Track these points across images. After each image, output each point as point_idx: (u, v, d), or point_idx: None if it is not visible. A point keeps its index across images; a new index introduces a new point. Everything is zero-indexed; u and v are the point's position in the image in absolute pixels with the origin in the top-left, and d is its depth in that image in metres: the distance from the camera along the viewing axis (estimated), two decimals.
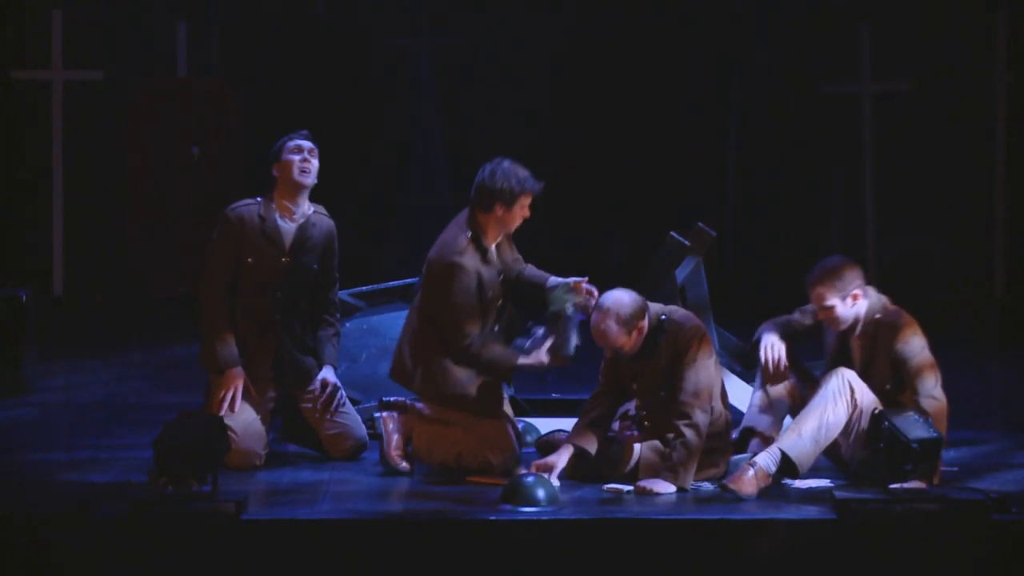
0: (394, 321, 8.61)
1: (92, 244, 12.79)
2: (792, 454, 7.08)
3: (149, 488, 6.76)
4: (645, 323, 7.36)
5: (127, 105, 12.32)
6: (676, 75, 12.95)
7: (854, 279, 7.29)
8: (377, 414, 7.71)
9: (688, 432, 7.17)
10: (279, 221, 7.77)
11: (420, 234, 12.87)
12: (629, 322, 7.31)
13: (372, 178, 13.19)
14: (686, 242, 8.27)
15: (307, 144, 7.82)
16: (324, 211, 7.92)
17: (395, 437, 7.61)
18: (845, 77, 12.05)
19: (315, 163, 7.81)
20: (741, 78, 13.16)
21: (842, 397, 7.16)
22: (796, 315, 7.60)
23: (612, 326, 7.31)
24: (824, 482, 7.18)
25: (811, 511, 6.76)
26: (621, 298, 7.35)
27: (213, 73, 13.16)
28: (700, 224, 8.41)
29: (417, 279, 8.88)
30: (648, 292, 8.11)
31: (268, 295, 7.74)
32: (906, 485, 6.82)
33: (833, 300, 7.28)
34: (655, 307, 7.45)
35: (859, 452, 7.21)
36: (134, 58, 12.89)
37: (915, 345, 7.26)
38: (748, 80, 13.15)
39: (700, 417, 7.19)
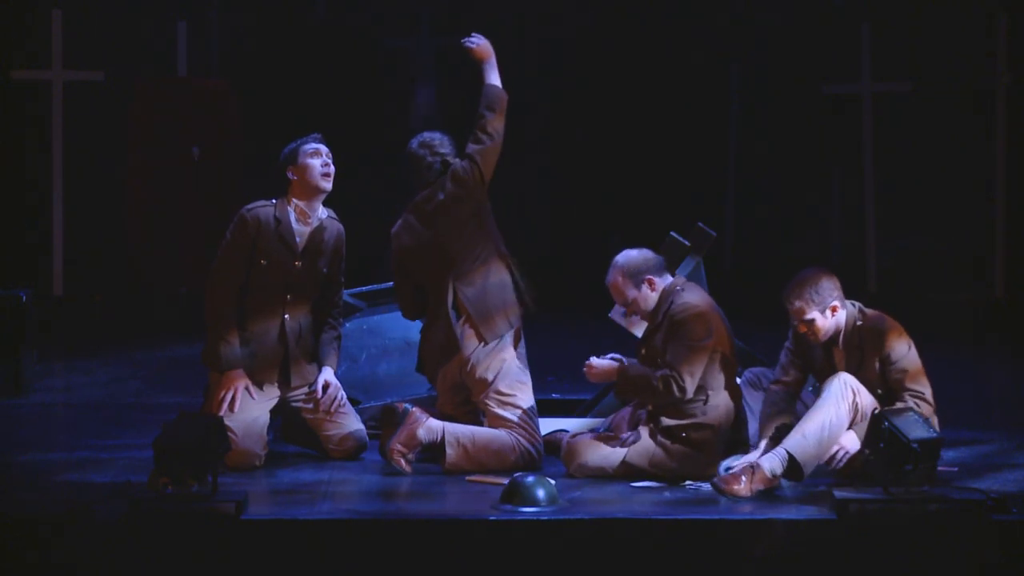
0: (394, 321, 8.61)
1: (92, 244, 12.78)
2: (797, 455, 7.07)
3: (149, 488, 6.76)
4: (657, 279, 7.42)
5: (127, 105, 12.31)
6: (676, 75, 12.95)
7: (832, 290, 7.28)
8: (408, 405, 7.69)
9: (661, 378, 7.23)
10: (294, 224, 7.78)
11: None
12: (634, 275, 7.42)
13: (371, 178, 13.18)
14: (686, 242, 8.27)
15: (324, 148, 7.83)
16: (335, 215, 7.93)
17: (406, 433, 7.59)
18: (845, 77, 12.05)
19: (333, 168, 7.83)
20: (741, 78, 13.16)
21: (844, 400, 7.16)
22: (779, 375, 7.57)
23: (618, 278, 7.46)
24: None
25: (811, 511, 6.76)
26: (629, 253, 7.50)
27: (213, 73, 13.15)
28: (700, 224, 8.42)
29: None
30: None
31: (278, 297, 7.76)
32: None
33: (813, 314, 7.27)
34: (678, 280, 7.49)
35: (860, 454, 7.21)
36: (134, 58, 12.88)
37: (901, 349, 7.26)
38: (748, 80, 13.15)
39: (674, 386, 7.23)
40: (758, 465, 7.04)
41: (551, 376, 9.49)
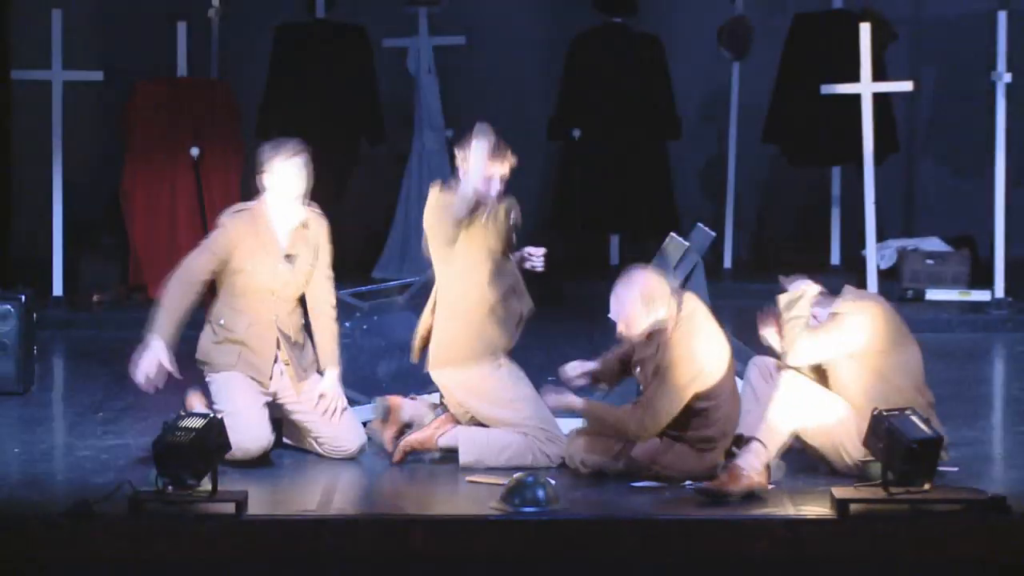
0: (394, 321, 8.61)
1: (92, 244, 12.76)
2: (765, 440, 7.12)
3: (149, 488, 6.77)
4: (663, 313, 7.29)
5: (127, 105, 12.29)
6: (676, 75, 12.94)
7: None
8: (437, 408, 7.76)
9: (634, 412, 7.21)
10: (275, 226, 7.78)
11: (420, 234, 12.86)
12: (652, 305, 7.25)
13: (372, 178, 13.17)
14: (686, 242, 8.27)
15: (300, 157, 7.76)
16: (317, 209, 7.91)
17: (426, 436, 7.63)
18: (845, 77, 12.04)
19: (308, 171, 7.78)
20: (742, 78, 13.15)
21: (797, 377, 7.26)
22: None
23: (636, 303, 7.24)
24: None
25: (811, 511, 6.76)
26: (651, 278, 7.30)
27: (213, 73, 13.13)
28: (700, 224, 8.41)
29: (416, 279, 8.90)
30: None
31: (265, 299, 7.76)
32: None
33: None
34: (681, 306, 7.39)
35: (857, 453, 7.21)
36: (134, 58, 12.86)
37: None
38: (749, 79, 13.14)
39: (646, 423, 7.21)
40: (736, 465, 7.04)
41: (551, 377, 9.48)
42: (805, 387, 7.24)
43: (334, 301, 7.95)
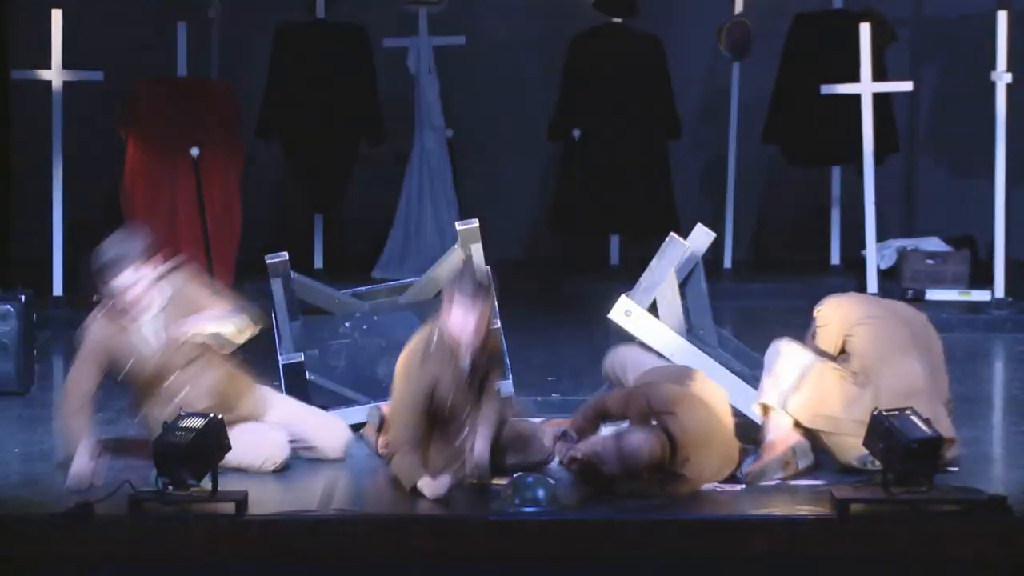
0: (393, 321, 8.61)
1: (92, 244, 12.76)
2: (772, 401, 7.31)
3: (149, 488, 6.77)
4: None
5: (127, 105, 12.28)
6: (676, 75, 12.95)
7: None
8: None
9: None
10: (138, 317, 7.46)
11: (420, 235, 12.87)
12: (633, 471, 6.99)
13: (372, 179, 13.18)
14: (686, 243, 8.27)
15: (125, 278, 7.43)
16: (173, 266, 7.56)
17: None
18: (845, 77, 12.04)
19: (146, 285, 7.45)
20: (742, 78, 13.15)
21: (792, 344, 7.44)
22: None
23: (614, 468, 6.97)
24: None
25: (811, 511, 6.76)
26: (640, 455, 6.96)
27: (213, 73, 13.13)
28: (700, 224, 8.42)
29: (416, 279, 8.92)
30: (647, 293, 8.11)
31: (159, 385, 7.50)
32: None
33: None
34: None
35: (858, 452, 7.22)
36: (134, 58, 12.85)
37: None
38: (749, 79, 13.15)
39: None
40: (765, 444, 7.18)
41: (551, 376, 9.49)
42: (785, 346, 7.45)
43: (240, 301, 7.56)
